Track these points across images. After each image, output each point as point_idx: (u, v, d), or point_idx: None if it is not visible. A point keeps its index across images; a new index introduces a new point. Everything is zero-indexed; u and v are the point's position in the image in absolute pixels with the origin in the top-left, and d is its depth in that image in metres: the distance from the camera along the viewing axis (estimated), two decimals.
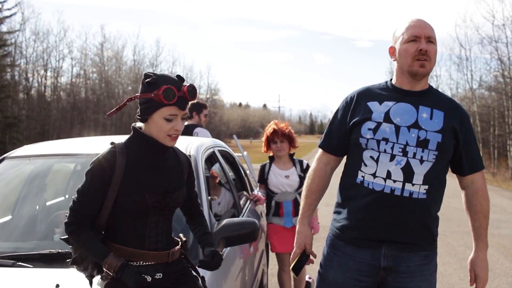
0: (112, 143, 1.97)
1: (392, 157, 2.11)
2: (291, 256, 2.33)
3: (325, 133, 2.38)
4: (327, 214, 10.64)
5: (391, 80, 2.29)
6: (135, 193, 1.90)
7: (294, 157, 4.17)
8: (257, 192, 4.22)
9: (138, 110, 1.95)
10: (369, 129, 2.15)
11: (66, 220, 1.90)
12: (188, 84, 1.91)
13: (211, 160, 3.42)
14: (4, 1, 28.80)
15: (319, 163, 2.37)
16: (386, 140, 2.12)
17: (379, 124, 2.14)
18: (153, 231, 1.96)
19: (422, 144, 2.10)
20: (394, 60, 2.25)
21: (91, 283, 1.96)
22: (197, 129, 5.27)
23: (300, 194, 3.86)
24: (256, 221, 2.52)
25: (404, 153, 2.10)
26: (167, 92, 1.84)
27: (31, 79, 37.15)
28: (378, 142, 2.12)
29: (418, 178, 2.11)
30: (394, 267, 2.15)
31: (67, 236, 1.96)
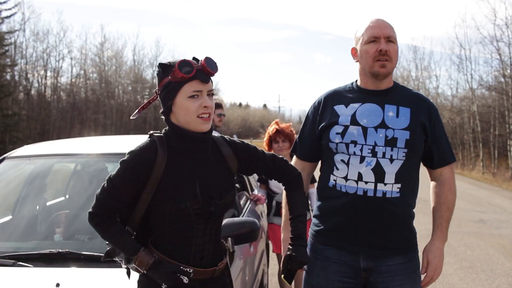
0: (150, 135, 1.80)
1: (362, 159, 2.11)
2: (281, 265, 2.26)
3: (297, 140, 2.39)
4: None
5: (356, 81, 2.29)
6: (173, 198, 1.71)
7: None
8: (258, 192, 4.22)
9: (161, 106, 1.80)
10: (337, 133, 2.16)
11: (91, 210, 1.75)
12: (205, 57, 1.76)
13: None
14: (4, 2, 28.80)
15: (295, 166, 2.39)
16: (355, 142, 2.12)
17: (346, 127, 2.15)
18: (200, 240, 1.77)
19: (391, 143, 2.10)
20: (356, 61, 2.25)
21: (129, 274, 1.85)
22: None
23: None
24: (256, 221, 2.52)
25: (374, 153, 2.10)
26: (183, 65, 1.69)
27: (31, 79, 37.18)
28: (347, 145, 2.13)
29: (390, 177, 2.11)
30: (374, 268, 2.15)
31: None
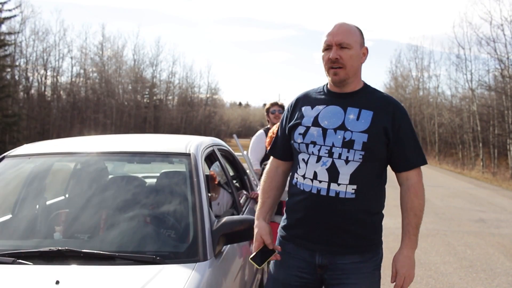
0: None
1: (319, 159, 2.18)
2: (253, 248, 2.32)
3: (273, 141, 2.48)
4: None
5: (327, 84, 2.34)
6: None
7: None
8: (258, 190, 4.21)
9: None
10: (300, 133, 2.24)
11: None
12: None
13: (210, 158, 3.42)
14: (4, 2, 28.81)
15: (270, 165, 2.47)
16: (314, 143, 2.20)
17: (307, 128, 2.23)
18: None
19: (348, 144, 2.15)
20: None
21: None
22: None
23: None
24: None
25: (330, 154, 2.16)
26: None
27: (31, 78, 37.20)
28: (307, 145, 2.21)
29: (344, 178, 2.15)
30: (329, 265, 2.21)
31: None
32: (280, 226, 2.39)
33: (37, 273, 2.19)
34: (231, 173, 4.28)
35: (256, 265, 2.18)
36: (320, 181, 2.16)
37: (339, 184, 2.14)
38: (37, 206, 3.04)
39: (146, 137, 3.94)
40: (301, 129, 2.24)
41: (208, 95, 59.75)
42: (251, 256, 2.19)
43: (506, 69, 23.13)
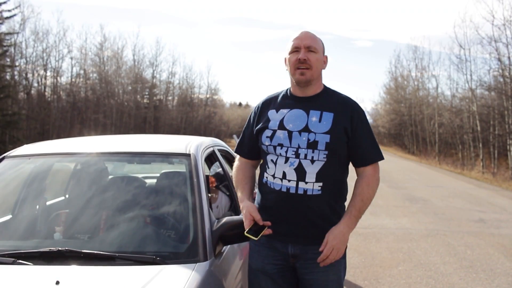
0: None
1: (287, 160, 2.36)
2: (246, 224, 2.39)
3: (239, 140, 2.63)
4: None
5: (289, 88, 2.51)
6: None
7: None
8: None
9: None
10: (267, 136, 2.41)
11: None
12: None
13: (210, 159, 3.43)
14: (4, 2, 28.81)
15: (239, 162, 2.64)
16: (281, 145, 2.37)
17: (274, 132, 2.40)
18: None
19: (312, 145, 2.32)
20: (286, 70, 2.48)
21: None
22: None
23: None
24: None
25: (297, 155, 2.34)
26: None
27: (31, 79, 37.18)
28: (275, 147, 2.39)
29: (311, 176, 2.33)
30: (301, 255, 2.39)
31: None
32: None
33: (37, 273, 2.19)
34: (231, 174, 4.28)
35: (252, 238, 2.28)
36: (289, 180, 2.34)
37: (306, 182, 2.32)
38: (37, 207, 3.04)
39: (146, 137, 3.94)
40: (268, 132, 2.41)
41: (208, 96, 59.71)
42: (246, 231, 2.31)
43: (506, 69, 23.13)
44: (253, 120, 2.55)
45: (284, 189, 2.34)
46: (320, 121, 2.35)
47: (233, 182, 2.65)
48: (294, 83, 2.43)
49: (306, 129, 2.34)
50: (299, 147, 2.33)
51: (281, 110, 2.44)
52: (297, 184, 2.32)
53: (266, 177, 2.43)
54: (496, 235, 7.93)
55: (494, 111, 26.58)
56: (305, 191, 2.32)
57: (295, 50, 2.39)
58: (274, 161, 2.38)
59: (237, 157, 2.68)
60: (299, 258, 2.39)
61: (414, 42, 64.01)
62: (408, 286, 5.26)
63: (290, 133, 2.36)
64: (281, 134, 2.37)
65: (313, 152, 2.31)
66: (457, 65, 30.07)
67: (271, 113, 2.45)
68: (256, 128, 2.48)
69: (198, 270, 2.22)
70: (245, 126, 2.62)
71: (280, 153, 2.37)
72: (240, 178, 2.58)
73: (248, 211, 2.36)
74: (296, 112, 2.40)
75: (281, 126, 2.39)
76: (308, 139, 2.32)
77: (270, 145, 2.39)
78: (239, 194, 2.53)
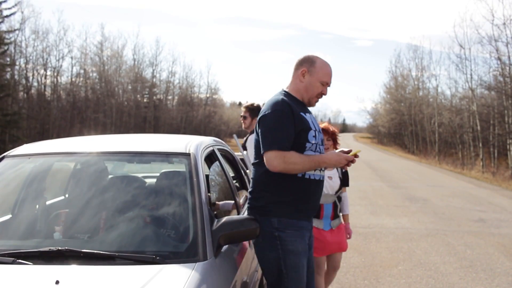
0: None
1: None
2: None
3: (280, 136, 2.72)
4: None
5: (289, 93, 2.89)
6: None
7: None
8: None
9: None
10: (313, 136, 2.81)
11: None
12: None
13: (210, 158, 3.42)
14: (4, 1, 28.79)
15: (286, 151, 2.75)
16: (318, 143, 2.85)
17: (315, 131, 2.83)
18: None
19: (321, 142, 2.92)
20: (301, 81, 2.89)
21: None
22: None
23: (338, 197, 4.06)
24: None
25: (321, 151, 2.91)
26: None
27: (31, 78, 37.17)
28: (316, 145, 2.83)
29: None
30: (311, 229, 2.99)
31: None
32: (289, 209, 2.77)
33: (37, 273, 2.19)
34: (231, 173, 4.27)
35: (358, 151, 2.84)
36: (320, 170, 2.86)
37: (322, 171, 2.89)
38: (37, 206, 3.03)
39: (146, 137, 3.93)
40: (313, 132, 2.80)
41: (208, 95, 59.71)
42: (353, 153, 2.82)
43: (506, 68, 23.12)
44: (291, 119, 2.74)
45: (320, 178, 2.86)
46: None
47: (297, 160, 2.70)
48: (307, 99, 2.90)
49: (319, 131, 2.90)
50: (322, 144, 2.90)
51: (305, 114, 2.84)
52: (323, 173, 2.88)
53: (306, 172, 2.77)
54: (496, 234, 7.93)
55: (494, 111, 26.58)
56: (323, 177, 2.91)
57: (325, 84, 2.89)
58: None
59: (277, 151, 2.69)
60: (311, 231, 2.95)
61: (414, 42, 64.08)
62: (408, 285, 5.26)
63: (319, 134, 2.88)
64: (318, 134, 2.85)
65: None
66: (457, 65, 30.09)
67: (303, 116, 2.80)
68: (301, 128, 2.76)
69: (198, 269, 2.22)
70: (283, 123, 2.72)
71: (318, 150, 2.84)
72: (298, 155, 2.73)
73: (337, 154, 2.81)
74: (311, 116, 2.89)
75: (314, 127, 2.84)
76: (322, 139, 2.91)
77: (315, 143, 2.80)
78: (312, 158, 2.75)
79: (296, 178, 2.76)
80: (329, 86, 2.92)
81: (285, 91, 2.91)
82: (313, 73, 2.86)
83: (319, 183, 2.89)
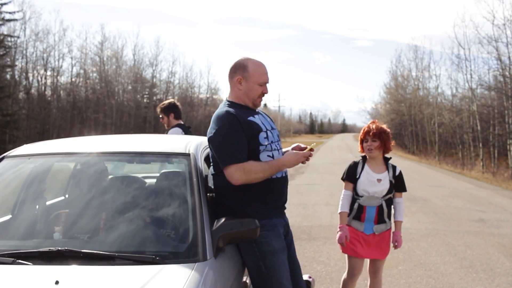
0: None
1: (279, 152, 2.95)
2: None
3: (233, 149, 2.74)
4: (327, 213, 10.61)
5: (232, 102, 2.92)
6: None
7: (390, 162, 3.93)
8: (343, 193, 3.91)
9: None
10: (264, 137, 2.84)
11: None
12: None
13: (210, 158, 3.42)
14: (5, 3, 28.80)
15: (244, 161, 2.80)
16: (273, 142, 2.91)
17: (266, 132, 2.87)
18: None
19: (278, 138, 3.02)
20: (239, 88, 2.91)
21: None
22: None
23: (386, 200, 3.82)
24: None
25: (279, 147, 2.99)
26: None
27: (31, 78, 37.17)
28: (271, 144, 2.89)
29: None
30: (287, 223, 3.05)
31: None
32: (258, 211, 2.77)
33: (37, 273, 2.19)
34: None
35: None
36: None
37: None
38: (37, 207, 3.04)
39: (146, 137, 3.94)
40: (264, 134, 2.85)
41: (208, 95, 59.72)
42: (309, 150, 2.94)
43: (506, 69, 23.11)
44: (239, 129, 2.77)
45: (281, 175, 2.90)
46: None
47: (257, 169, 2.74)
48: (250, 103, 2.93)
49: (272, 128, 2.97)
50: (277, 140, 2.95)
51: (253, 116, 2.88)
52: (286, 170, 2.93)
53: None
54: (496, 234, 7.93)
55: (494, 111, 26.56)
56: (286, 173, 2.98)
57: (264, 83, 2.94)
58: (271, 155, 2.85)
59: (235, 165, 2.71)
60: (287, 225, 3.00)
61: (415, 42, 64.06)
62: (408, 286, 5.26)
63: (272, 132, 2.92)
64: (270, 134, 2.89)
65: (279, 143, 2.99)
66: (457, 65, 30.06)
67: (251, 120, 2.84)
68: (251, 134, 2.79)
69: (197, 269, 2.22)
70: (233, 136, 2.74)
71: (275, 148, 2.88)
72: (257, 163, 2.77)
73: (290, 152, 2.89)
74: (260, 116, 2.95)
75: (265, 127, 2.88)
76: (277, 134, 3.00)
77: (268, 144, 2.84)
78: (272, 163, 2.79)
79: (259, 182, 2.77)
80: (268, 83, 2.96)
81: (228, 101, 2.95)
82: (248, 78, 2.90)
83: (282, 180, 2.92)
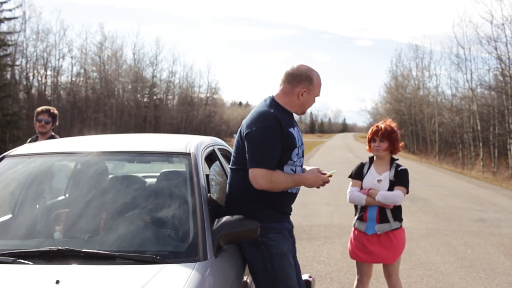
0: None
1: (301, 169, 2.93)
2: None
3: (265, 155, 2.71)
4: (327, 213, 10.60)
5: (280, 105, 2.85)
6: None
7: (396, 162, 3.85)
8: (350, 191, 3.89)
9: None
10: (296, 154, 2.82)
11: None
12: None
13: (211, 158, 3.42)
14: (5, 2, 28.79)
15: (271, 170, 2.74)
16: (300, 159, 2.90)
17: (299, 148, 2.84)
18: None
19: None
20: (299, 98, 2.85)
21: None
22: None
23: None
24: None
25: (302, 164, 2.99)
26: None
27: (31, 78, 37.18)
28: (298, 160, 2.88)
29: None
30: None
31: None
32: (269, 214, 2.80)
33: (37, 272, 2.19)
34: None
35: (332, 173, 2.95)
36: None
37: None
38: (37, 206, 3.03)
39: (146, 136, 3.94)
40: (297, 150, 2.82)
41: (208, 95, 59.74)
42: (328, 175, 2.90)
43: (506, 68, 23.11)
44: (279, 136, 2.72)
45: (296, 191, 2.93)
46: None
47: (282, 180, 2.73)
48: (300, 110, 2.91)
49: (302, 143, 2.91)
50: (302, 156, 2.92)
51: (293, 128, 2.84)
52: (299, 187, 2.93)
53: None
54: (496, 234, 7.93)
55: (494, 110, 26.56)
56: (298, 190, 2.97)
57: (318, 95, 2.93)
58: (294, 170, 2.84)
59: (264, 170, 2.67)
60: (291, 231, 3.01)
61: (415, 42, 64.03)
62: (408, 285, 5.26)
63: (301, 148, 2.88)
64: (300, 150, 2.86)
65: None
66: (457, 65, 30.05)
67: (292, 131, 2.81)
68: (287, 146, 2.76)
69: (198, 269, 2.22)
70: (272, 140, 2.69)
71: (298, 164, 2.87)
72: (283, 175, 2.76)
73: (312, 172, 2.86)
74: (298, 129, 2.90)
75: (298, 143, 2.84)
76: (303, 150, 2.94)
77: (296, 160, 2.83)
78: (295, 178, 2.80)
79: (278, 192, 2.78)
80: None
81: (275, 101, 2.86)
82: (311, 91, 2.87)
83: (295, 195, 2.97)
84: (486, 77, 28.28)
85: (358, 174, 3.87)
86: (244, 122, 2.83)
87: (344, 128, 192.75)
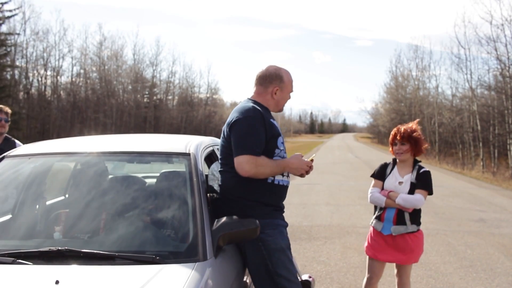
0: None
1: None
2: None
3: (252, 142, 2.77)
4: (327, 213, 10.61)
5: (259, 103, 2.94)
6: None
7: (419, 164, 3.85)
8: (370, 190, 3.92)
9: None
10: (281, 142, 2.93)
11: None
12: None
13: (210, 158, 3.42)
14: (5, 2, 28.80)
15: (258, 155, 2.82)
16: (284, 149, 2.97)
17: (282, 138, 2.95)
18: None
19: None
20: (273, 97, 2.99)
21: None
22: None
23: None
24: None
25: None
26: None
27: (31, 78, 37.18)
28: (284, 150, 2.97)
29: None
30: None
31: None
32: (265, 210, 2.82)
33: (37, 273, 2.19)
34: None
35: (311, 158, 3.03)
36: (287, 176, 2.97)
37: (288, 177, 2.99)
38: (37, 206, 3.04)
39: (146, 137, 3.94)
40: (281, 139, 2.93)
41: (208, 95, 59.74)
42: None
43: (506, 69, 23.10)
44: (263, 125, 2.81)
45: (286, 184, 2.96)
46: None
47: (267, 164, 2.77)
48: (276, 108, 3.05)
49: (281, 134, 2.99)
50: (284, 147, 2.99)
51: (273, 119, 2.95)
52: (289, 179, 3.00)
53: (273, 177, 2.85)
54: (496, 234, 7.93)
55: (494, 111, 26.55)
56: (288, 183, 3.01)
57: (291, 91, 3.09)
58: (282, 158, 2.91)
59: (249, 156, 2.72)
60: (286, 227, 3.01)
61: (414, 42, 64.01)
62: None
63: (283, 137, 2.98)
64: (283, 139, 2.93)
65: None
66: (457, 65, 30.05)
67: (273, 122, 2.91)
68: (271, 134, 2.84)
69: (197, 269, 2.22)
70: (255, 128, 2.77)
71: (283, 155, 2.92)
72: (267, 159, 2.81)
73: (295, 157, 2.92)
74: (277, 123, 2.99)
75: (281, 133, 2.95)
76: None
77: (282, 149, 2.92)
78: (279, 162, 2.84)
79: (267, 184, 2.84)
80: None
81: (253, 100, 2.97)
82: (283, 88, 3.01)
83: (286, 188, 3.01)
84: (486, 77, 28.30)
85: (380, 174, 3.88)
86: (227, 122, 2.91)
87: (344, 128, 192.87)
